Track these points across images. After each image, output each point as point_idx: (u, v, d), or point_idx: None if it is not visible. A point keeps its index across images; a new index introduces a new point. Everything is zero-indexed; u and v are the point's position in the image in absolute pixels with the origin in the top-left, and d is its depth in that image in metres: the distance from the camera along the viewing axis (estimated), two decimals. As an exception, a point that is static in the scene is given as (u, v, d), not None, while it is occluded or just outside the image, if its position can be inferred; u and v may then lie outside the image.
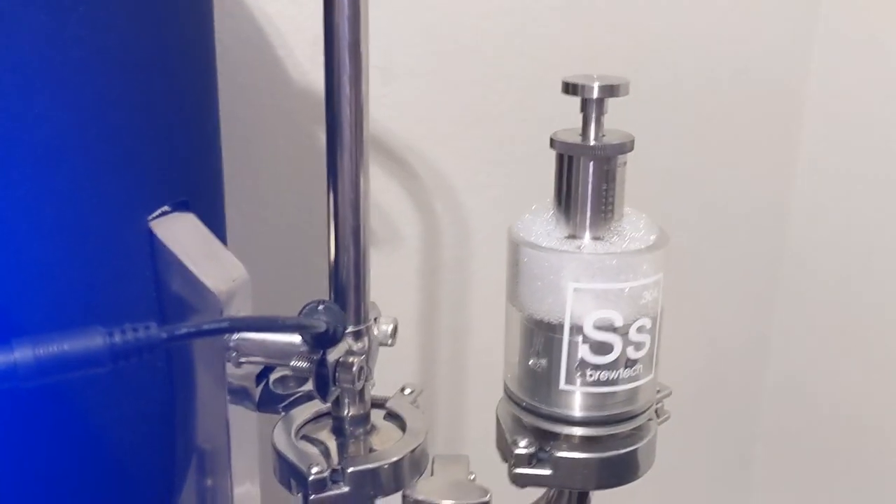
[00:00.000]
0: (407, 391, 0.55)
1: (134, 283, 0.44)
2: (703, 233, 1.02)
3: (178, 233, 0.48)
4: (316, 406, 0.53)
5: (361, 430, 0.51)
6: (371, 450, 0.50)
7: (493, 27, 0.81)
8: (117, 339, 0.29)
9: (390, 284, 0.84)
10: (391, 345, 0.51)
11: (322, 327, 0.40)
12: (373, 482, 0.48)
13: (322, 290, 0.67)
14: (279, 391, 0.54)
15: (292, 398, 0.56)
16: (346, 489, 0.47)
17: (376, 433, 0.52)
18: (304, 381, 0.56)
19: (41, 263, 0.36)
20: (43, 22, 0.34)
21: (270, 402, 0.54)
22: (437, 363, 0.88)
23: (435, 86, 0.81)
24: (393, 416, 0.53)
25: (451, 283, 0.87)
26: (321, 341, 0.43)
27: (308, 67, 0.78)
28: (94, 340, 0.28)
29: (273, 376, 0.55)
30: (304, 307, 0.44)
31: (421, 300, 0.88)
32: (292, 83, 0.77)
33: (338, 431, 0.51)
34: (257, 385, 0.53)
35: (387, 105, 0.80)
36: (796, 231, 1.07)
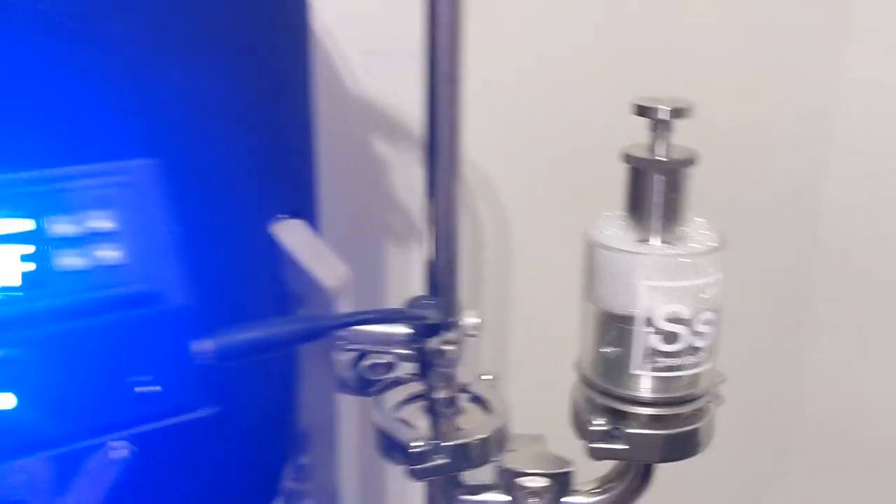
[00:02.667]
0: (484, 377, 0.62)
1: (262, 278, 0.51)
2: (737, 228, 1.08)
3: (292, 236, 0.55)
4: (408, 390, 0.60)
5: (451, 411, 0.57)
6: (458, 428, 0.57)
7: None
8: (293, 327, 0.36)
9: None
10: (476, 335, 0.58)
11: (437, 319, 0.46)
12: (465, 455, 0.54)
13: (397, 285, 0.75)
14: (369, 377, 0.61)
15: (380, 384, 0.63)
16: (443, 461, 0.53)
17: (463, 414, 0.58)
18: (390, 367, 0.63)
19: (205, 262, 0.43)
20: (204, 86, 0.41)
21: (363, 387, 0.61)
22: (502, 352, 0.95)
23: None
24: (475, 399, 0.59)
25: (496, 279, 0.94)
26: (428, 331, 0.50)
27: (362, 76, 0.85)
28: (279, 329, 0.35)
29: (364, 363, 0.62)
30: (412, 301, 0.50)
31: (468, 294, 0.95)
32: (348, 92, 0.83)
33: (430, 411, 0.57)
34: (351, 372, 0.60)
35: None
36: (828, 220, 1.13)
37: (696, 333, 0.51)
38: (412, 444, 0.52)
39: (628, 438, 0.53)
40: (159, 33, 0.39)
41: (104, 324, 0.31)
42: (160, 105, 0.41)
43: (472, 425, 0.56)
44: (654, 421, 0.53)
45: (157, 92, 0.40)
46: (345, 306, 0.55)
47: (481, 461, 0.55)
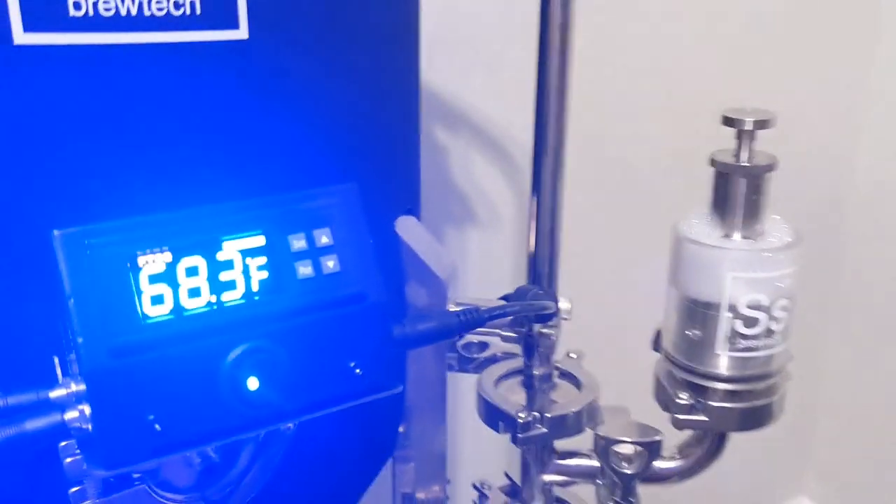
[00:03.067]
0: (572, 355, 0.68)
1: (396, 272, 0.58)
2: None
3: (409, 232, 0.62)
4: (506, 366, 0.67)
5: (546, 386, 0.64)
6: (553, 401, 0.64)
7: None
8: (462, 318, 0.43)
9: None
10: (568, 319, 0.64)
11: (553, 308, 0.53)
12: (562, 426, 0.61)
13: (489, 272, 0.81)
14: (465, 355, 0.69)
15: (476, 361, 0.70)
16: (544, 430, 0.60)
17: (557, 388, 0.65)
18: (484, 347, 0.70)
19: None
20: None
21: (462, 364, 0.68)
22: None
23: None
24: (566, 375, 0.66)
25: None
26: (539, 317, 0.56)
27: (425, 66, 0.91)
28: (450, 319, 0.42)
29: (460, 343, 0.69)
30: (521, 291, 0.57)
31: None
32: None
33: (528, 386, 0.65)
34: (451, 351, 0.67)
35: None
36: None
37: (773, 318, 0.58)
38: (520, 416, 0.59)
39: (709, 411, 0.60)
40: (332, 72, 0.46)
41: (323, 320, 0.38)
42: (345, 134, 0.47)
43: (567, 399, 0.63)
44: (732, 395, 0.60)
45: (342, 124, 0.47)
46: (452, 294, 0.62)
47: (576, 431, 0.62)
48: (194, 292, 0.36)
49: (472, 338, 0.69)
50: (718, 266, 0.57)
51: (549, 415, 0.60)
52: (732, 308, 0.57)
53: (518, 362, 0.66)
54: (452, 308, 0.59)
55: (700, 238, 0.58)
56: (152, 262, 0.35)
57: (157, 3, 0.42)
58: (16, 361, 0.41)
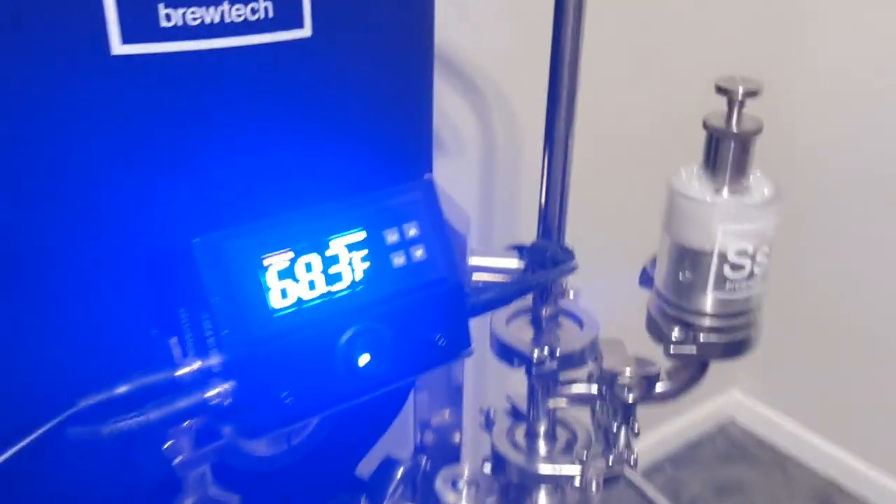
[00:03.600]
0: (572, 293, 0.76)
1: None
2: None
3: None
4: (514, 307, 0.74)
5: (553, 324, 0.72)
6: (559, 338, 0.72)
7: None
8: (514, 287, 0.50)
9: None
10: (576, 268, 0.71)
11: (575, 268, 0.60)
12: (570, 360, 0.70)
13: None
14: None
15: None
16: (554, 365, 0.68)
17: (561, 326, 0.73)
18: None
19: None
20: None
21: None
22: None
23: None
24: (568, 314, 0.74)
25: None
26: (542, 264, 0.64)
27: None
28: (506, 289, 0.49)
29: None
30: (545, 248, 0.64)
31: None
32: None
33: (536, 325, 0.72)
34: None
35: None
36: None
37: (756, 263, 0.66)
38: (535, 354, 0.67)
39: (697, 343, 0.68)
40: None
41: (415, 301, 0.44)
42: (379, 109, 0.53)
43: (572, 336, 0.71)
44: (717, 330, 0.69)
45: (377, 101, 0.52)
46: (470, 247, 0.69)
47: (581, 364, 0.70)
48: (311, 285, 0.41)
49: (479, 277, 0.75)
50: (710, 219, 0.65)
51: (559, 352, 0.68)
52: (721, 255, 0.66)
53: (524, 302, 0.74)
54: (471, 260, 0.66)
55: (693, 194, 0.66)
56: (276, 262, 0.40)
57: (237, 11, 0.46)
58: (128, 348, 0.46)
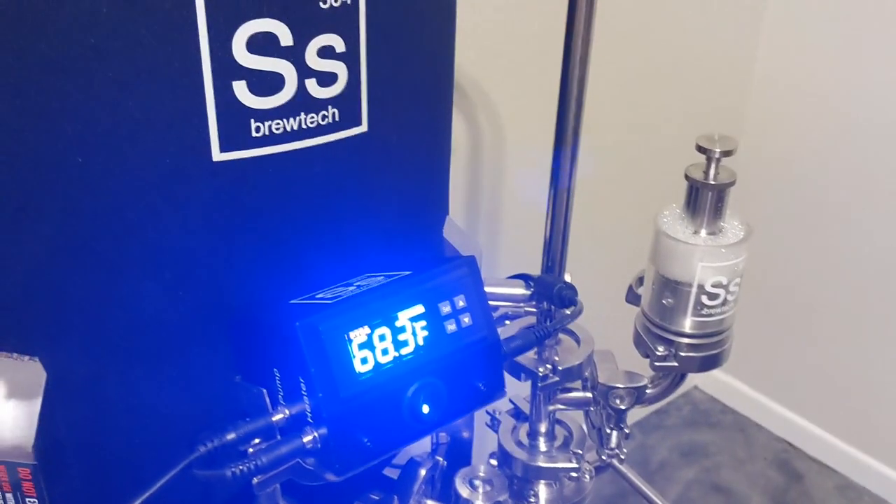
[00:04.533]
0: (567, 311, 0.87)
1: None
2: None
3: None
4: (517, 325, 0.85)
5: (553, 341, 0.84)
6: (558, 354, 0.83)
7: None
8: (537, 334, 0.61)
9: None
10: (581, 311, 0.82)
11: (581, 308, 0.71)
12: (569, 374, 0.81)
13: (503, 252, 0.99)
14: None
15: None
16: (557, 379, 0.80)
17: (560, 342, 0.85)
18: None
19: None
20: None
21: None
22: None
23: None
24: (565, 330, 0.85)
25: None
26: (561, 302, 0.75)
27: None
28: (530, 336, 0.60)
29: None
30: (552, 284, 0.75)
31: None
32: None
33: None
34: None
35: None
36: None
37: (729, 292, 0.78)
38: (540, 371, 0.79)
39: (679, 359, 0.80)
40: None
41: (464, 359, 0.56)
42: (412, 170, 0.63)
43: (570, 352, 0.83)
44: (695, 347, 0.81)
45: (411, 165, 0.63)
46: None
47: (579, 377, 0.82)
48: (385, 352, 0.52)
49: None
50: (690, 257, 0.76)
51: (560, 367, 0.80)
52: (700, 287, 0.77)
53: (525, 321, 0.85)
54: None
55: (676, 235, 0.77)
56: (358, 336, 0.51)
57: (311, 119, 0.56)
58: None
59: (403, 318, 0.52)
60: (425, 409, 0.52)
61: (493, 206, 1.39)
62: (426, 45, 0.62)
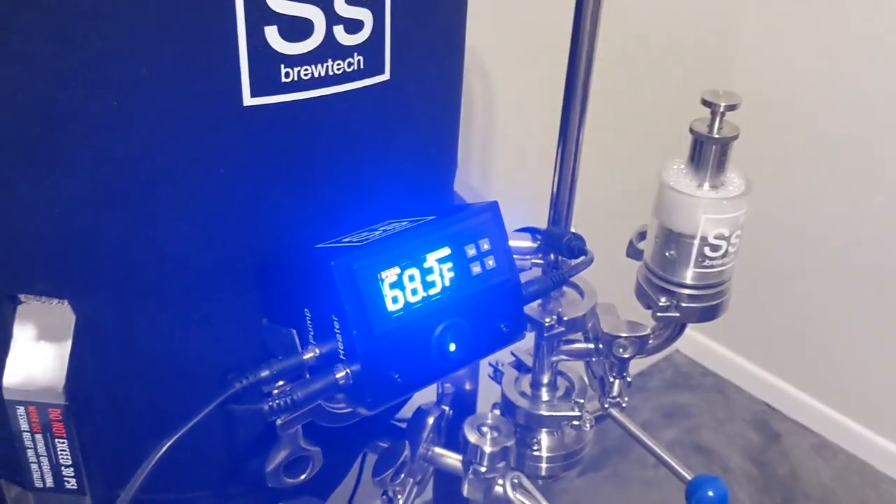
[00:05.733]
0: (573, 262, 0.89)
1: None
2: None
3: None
4: (524, 277, 0.87)
5: (559, 293, 0.86)
6: (562, 304, 0.86)
7: None
8: (554, 279, 0.63)
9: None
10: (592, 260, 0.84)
11: (592, 258, 0.73)
12: (573, 325, 0.83)
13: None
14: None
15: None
16: (562, 329, 0.82)
17: (564, 294, 0.87)
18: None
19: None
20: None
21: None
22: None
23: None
24: (569, 283, 0.88)
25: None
26: (570, 253, 0.77)
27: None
28: (547, 282, 0.62)
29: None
30: (561, 235, 0.77)
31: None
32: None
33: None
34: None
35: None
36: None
37: (731, 244, 0.80)
38: (546, 321, 0.81)
39: (680, 309, 0.83)
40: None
41: (489, 300, 0.57)
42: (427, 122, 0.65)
43: (574, 303, 0.85)
44: (696, 298, 0.83)
45: (428, 118, 0.64)
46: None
47: (583, 329, 0.84)
48: (414, 292, 0.54)
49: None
50: (694, 209, 0.79)
51: (565, 318, 0.82)
52: (703, 239, 0.79)
53: (532, 274, 0.87)
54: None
55: (680, 187, 0.79)
56: (389, 276, 0.53)
57: (337, 66, 0.57)
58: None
59: (431, 259, 0.54)
60: (452, 347, 0.54)
61: (498, 159, 1.39)
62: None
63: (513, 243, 0.80)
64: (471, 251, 0.55)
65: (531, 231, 0.80)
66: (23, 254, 0.54)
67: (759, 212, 1.84)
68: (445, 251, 0.54)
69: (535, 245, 0.80)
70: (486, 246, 0.56)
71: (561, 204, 0.80)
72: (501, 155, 1.42)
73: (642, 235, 0.88)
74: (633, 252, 0.89)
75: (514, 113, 1.40)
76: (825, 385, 1.94)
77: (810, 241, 1.84)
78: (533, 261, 0.81)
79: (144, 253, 0.56)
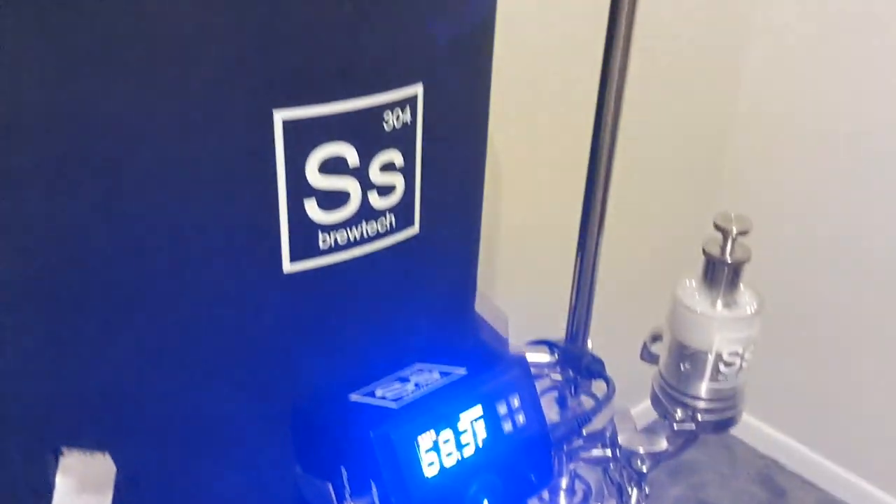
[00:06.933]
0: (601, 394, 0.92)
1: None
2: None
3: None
4: (540, 385, 0.89)
5: (576, 402, 0.88)
6: (581, 406, 0.88)
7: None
8: (578, 423, 0.65)
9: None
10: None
11: (614, 388, 0.75)
12: (593, 438, 0.85)
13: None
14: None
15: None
16: (581, 442, 0.84)
17: (580, 401, 0.89)
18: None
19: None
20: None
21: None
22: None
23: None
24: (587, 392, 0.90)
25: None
26: (590, 374, 0.79)
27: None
28: (572, 424, 0.64)
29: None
30: (580, 355, 0.79)
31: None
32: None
33: (562, 404, 0.88)
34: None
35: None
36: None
37: (744, 360, 0.83)
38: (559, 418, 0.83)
39: (697, 421, 0.85)
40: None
41: (520, 455, 0.60)
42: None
43: (591, 406, 0.87)
44: (711, 412, 0.85)
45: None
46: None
47: (601, 441, 0.86)
48: (448, 454, 0.56)
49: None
50: (708, 328, 0.81)
51: (585, 432, 0.84)
52: (717, 356, 0.82)
53: (548, 381, 0.89)
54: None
55: (694, 306, 0.82)
56: (424, 441, 0.55)
57: (371, 227, 0.59)
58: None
59: (465, 419, 0.56)
60: (485, 502, 0.56)
61: (508, 268, 1.43)
62: (466, 148, 0.66)
63: (529, 357, 0.83)
64: (502, 409, 0.57)
65: (548, 345, 0.82)
66: (69, 408, 0.57)
67: (762, 265, 1.87)
68: (478, 411, 0.56)
69: (551, 359, 0.82)
70: (516, 402, 0.58)
71: (579, 319, 0.82)
72: (513, 261, 1.45)
73: (655, 338, 0.90)
74: (648, 355, 0.91)
75: (531, 232, 1.44)
76: (830, 441, 1.95)
77: (815, 298, 1.86)
78: (550, 375, 0.83)
79: (185, 406, 0.58)
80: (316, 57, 0.52)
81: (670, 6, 1.53)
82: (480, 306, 0.80)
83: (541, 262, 1.44)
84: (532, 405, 0.58)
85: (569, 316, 0.84)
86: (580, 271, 0.82)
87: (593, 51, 0.80)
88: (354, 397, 0.59)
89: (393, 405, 0.55)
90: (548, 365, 0.83)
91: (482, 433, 0.56)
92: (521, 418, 0.57)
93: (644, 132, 1.60)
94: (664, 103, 1.64)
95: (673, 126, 1.70)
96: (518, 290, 1.45)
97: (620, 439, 0.84)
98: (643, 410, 0.90)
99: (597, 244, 0.80)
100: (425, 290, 0.66)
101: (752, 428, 2.08)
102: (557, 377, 0.84)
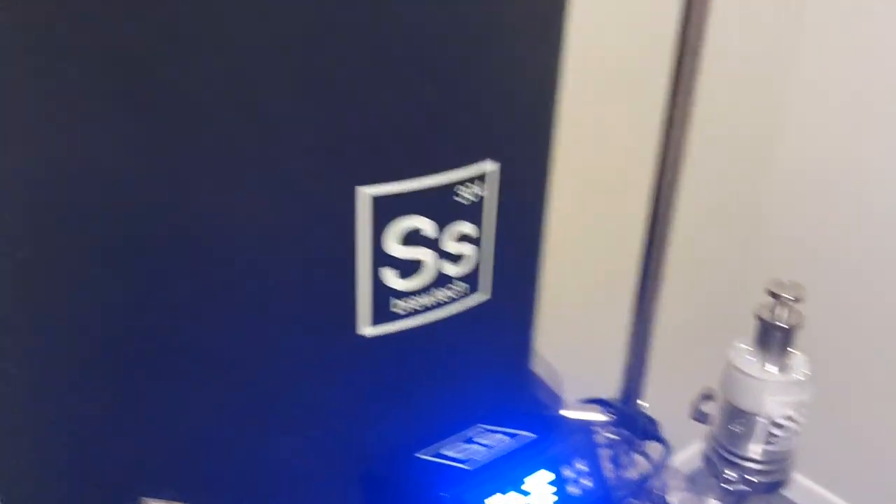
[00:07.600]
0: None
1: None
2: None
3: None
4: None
5: (627, 458, 0.89)
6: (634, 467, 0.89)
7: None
8: (639, 480, 0.67)
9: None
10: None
11: (671, 449, 0.77)
12: (642, 487, 0.87)
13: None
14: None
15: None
16: (634, 502, 0.86)
17: (637, 456, 0.90)
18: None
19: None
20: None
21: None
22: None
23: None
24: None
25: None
26: (644, 435, 0.81)
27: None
28: (630, 482, 0.66)
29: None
30: (636, 417, 0.81)
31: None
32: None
33: (616, 462, 0.89)
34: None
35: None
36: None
37: (796, 423, 0.84)
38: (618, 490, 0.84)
39: (748, 483, 0.86)
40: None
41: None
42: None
43: (643, 466, 0.89)
44: (762, 473, 0.86)
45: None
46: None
47: (649, 498, 0.88)
48: (516, 517, 0.59)
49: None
50: (761, 391, 0.83)
51: (633, 482, 0.85)
52: (768, 417, 0.83)
53: (601, 439, 0.91)
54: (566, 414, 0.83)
55: (747, 370, 0.83)
56: (495, 503, 0.57)
57: (443, 294, 0.62)
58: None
59: (530, 483, 0.58)
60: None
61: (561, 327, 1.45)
62: (532, 217, 0.69)
63: (588, 416, 0.85)
64: (569, 473, 0.59)
65: (603, 404, 0.84)
66: (152, 464, 0.60)
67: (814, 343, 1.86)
68: (547, 474, 0.59)
69: (606, 418, 0.84)
70: (583, 467, 0.60)
71: (632, 377, 0.84)
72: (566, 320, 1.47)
73: (704, 397, 0.92)
74: (698, 415, 0.93)
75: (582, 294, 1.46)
76: (881, 502, 1.93)
77: (865, 359, 1.85)
78: (606, 434, 0.85)
79: (260, 462, 0.61)
80: (399, 137, 0.55)
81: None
82: (535, 365, 0.83)
83: (591, 322, 1.46)
84: (596, 469, 0.60)
85: (624, 375, 0.86)
86: (638, 331, 0.84)
87: (649, 114, 0.83)
88: (423, 456, 0.61)
89: (466, 466, 0.58)
90: (602, 424, 0.85)
91: (550, 497, 0.58)
92: (587, 482, 0.60)
93: (692, 191, 1.62)
94: (704, 159, 1.66)
95: (714, 182, 1.72)
96: (569, 348, 1.48)
97: (670, 498, 0.85)
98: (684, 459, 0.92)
99: (651, 304, 0.83)
100: (490, 352, 0.68)
101: (803, 488, 2.06)
102: (612, 436, 0.85)
